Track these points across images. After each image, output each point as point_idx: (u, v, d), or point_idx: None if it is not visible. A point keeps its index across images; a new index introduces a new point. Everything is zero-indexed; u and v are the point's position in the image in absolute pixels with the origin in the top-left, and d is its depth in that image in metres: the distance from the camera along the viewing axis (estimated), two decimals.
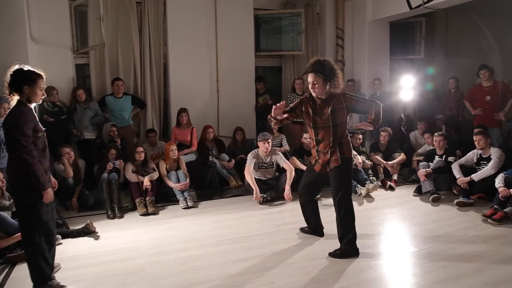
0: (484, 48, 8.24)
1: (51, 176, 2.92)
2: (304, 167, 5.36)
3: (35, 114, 2.77)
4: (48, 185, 2.72)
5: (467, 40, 8.26)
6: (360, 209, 4.79)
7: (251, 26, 6.84)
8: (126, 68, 6.11)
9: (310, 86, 3.25)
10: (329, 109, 3.27)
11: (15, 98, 2.68)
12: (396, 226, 4.32)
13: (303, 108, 3.40)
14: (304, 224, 3.95)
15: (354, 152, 4.89)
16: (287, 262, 3.31)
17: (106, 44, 5.47)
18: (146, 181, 4.83)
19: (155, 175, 5.04)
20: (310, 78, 3.22)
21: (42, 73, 2.74)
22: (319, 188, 4.01)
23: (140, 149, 5.12)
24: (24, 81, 2.66)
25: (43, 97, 2.78)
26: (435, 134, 5.51)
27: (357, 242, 3.42)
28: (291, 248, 3.60)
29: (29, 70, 2.72)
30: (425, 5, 5.96)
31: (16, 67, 2.71)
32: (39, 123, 2.77)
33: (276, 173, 5.43)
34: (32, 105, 2.76)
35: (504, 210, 4.18)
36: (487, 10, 8.01)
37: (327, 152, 3.37)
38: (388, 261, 3.35)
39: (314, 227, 3.85)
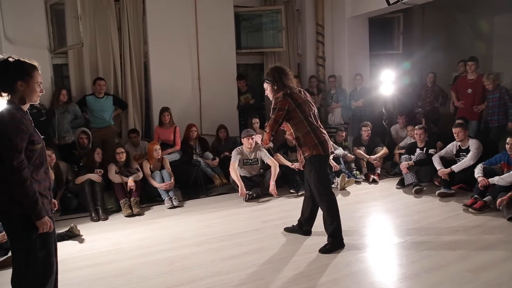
0: (459, 42, 8.47)
1: (52, 197, 2.27)
2: (288, 163, 5.42)
3: (30, 118, 2.13)
4: (44, 213, 2.06)
5: (443, 35, 8.46)
6: (345, 203, 4.84)
7: (231, 23, 6.82)
8: (106, 67, 6.01)
9: None
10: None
11: (3, 99, 2.06)
12: (380, 219, 4.40)
13: None
14: (290, 221, 3.96)
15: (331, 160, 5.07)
16: (276, 257, 3.33)
17: (84, 43, 5.37)
18: (131, 182, 4.77)
19: (140, 176, 4.98)
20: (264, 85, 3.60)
21: (36, 64, 2.13)
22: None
23: (120, 149, 5.04)
24: (16, 75, 2.04)
25: (41, 93, 2.17)
26: (416, 127, 5.62)
27: (344, 235, 3.47)
28: (279, 244, 3.62)
29: (20, 60, 2.08)
30: (402, 1, 6.05)
31: (0, 57, 2.07)
32: (36, 130, 2.14)
33: (261, 170, 5.44)
34: (27, 107, 2.14)
35: (484, 199, 4.31)
36: (462, 6, 8.21)
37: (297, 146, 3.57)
38: (374, 253, 3.40)
39: (300, 223, 3.81)
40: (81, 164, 5.17)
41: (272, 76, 3.47)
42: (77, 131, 5.50)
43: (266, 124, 3.56)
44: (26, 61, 2.10)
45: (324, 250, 3.40)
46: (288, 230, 3.89)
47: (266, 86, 3.54)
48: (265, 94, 3.61)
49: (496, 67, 8.29)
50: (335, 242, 3.44)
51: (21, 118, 2.01)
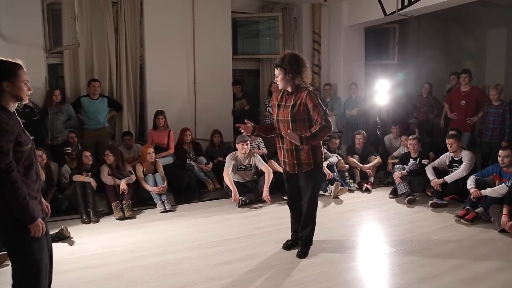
0: (453, 54, 8.59)
1: (42, 198, 2.24)
2: (282, 170, 5.39)
3: (18, 118, 2.09)
4: (37, 215, 2.05)
5: (437, 47, 8.57)
6: (337, 211, 4.85)
7: (228, 28, 6.83)
8: (101, 69, 5.97)
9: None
10: (291, 103, 3.24)
11: None
12: (373, 228, 4.40)
13: (273, 100, 3.45)
14: (283, 228, 3.94)
15: (324, 164, 5.02)
16: (269, 264, 3.31)
17: (80, 44, 5.31)
18: (123, 185, 4.72)
19: (132, 178, 4.93)
20: (275, 71, 3.29)
21: (20, 63, 2.07)
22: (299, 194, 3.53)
23: (107, 152, 5.00)
24: (1, 76, 1.99)
25: (29, 92, 2.10)
26: (410, 137, 5.65)
27: (336, 244, 3.49)
28: (272, 251, 3.59)
29: (3, 60, 2.03)
30: (399, 12, 6.11)
31: None
32: (25, 130, 2.10)
33: (255, 176, 5.42)
34: (13, 107, 2.08)
35: (476, 210, 4.33)
36: (456, 18, 8.34)
37: (293, 151, 3.28)
38: (367, 262, 3.40)
39: (295, 239, 3.63)
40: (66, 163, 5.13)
41: (290, 65, 3.14)
42: (65, 132, 5.43)
43: (318, 118, 3.15)
44: (10, 60, 2.05)
45: (301, 254, 3.44)
46: (285, 247, 3.64)
47: (278, 73, 3.22)
48: (274, 81, 3.36)
49: (488, 80, 8.41)
50: (309, 244, 3.49)
51: (6, 119, 1.96)
